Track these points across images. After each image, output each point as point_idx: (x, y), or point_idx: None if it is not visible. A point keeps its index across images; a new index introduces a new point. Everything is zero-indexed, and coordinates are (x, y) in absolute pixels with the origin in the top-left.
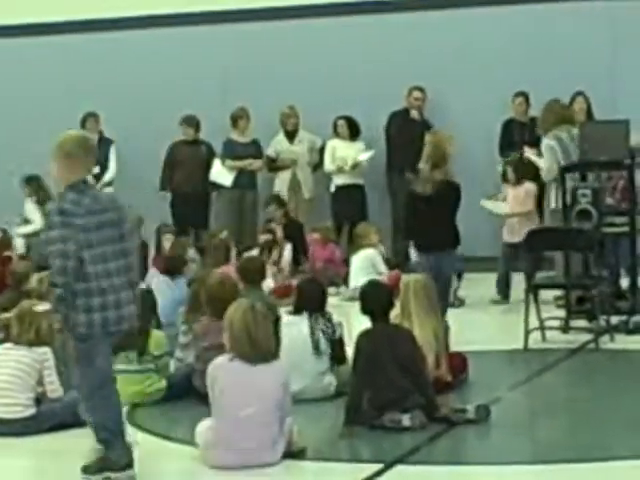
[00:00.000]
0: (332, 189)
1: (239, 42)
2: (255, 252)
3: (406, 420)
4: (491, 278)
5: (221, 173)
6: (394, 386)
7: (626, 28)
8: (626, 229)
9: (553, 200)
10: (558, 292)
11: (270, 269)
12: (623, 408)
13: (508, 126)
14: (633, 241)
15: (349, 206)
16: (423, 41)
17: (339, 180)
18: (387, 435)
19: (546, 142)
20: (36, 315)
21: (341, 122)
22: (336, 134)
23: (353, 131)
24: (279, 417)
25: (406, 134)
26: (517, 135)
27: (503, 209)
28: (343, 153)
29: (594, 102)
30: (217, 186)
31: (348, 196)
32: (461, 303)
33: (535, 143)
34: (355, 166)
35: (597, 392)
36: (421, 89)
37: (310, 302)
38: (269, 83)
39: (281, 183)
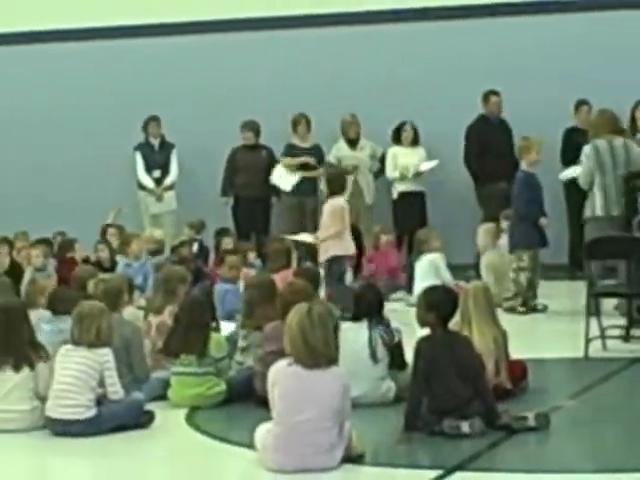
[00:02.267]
0: (395, 196)
1: (299, 48)
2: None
3: (465, 427)
4: (554, 286)
5: (282, 177)
6: (453, 393)
7: None
8: None
9: (587, 209)
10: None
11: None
12: None
13: (570, 134)
14: None
15: (410, 213)
16: (485, 49)
17: (401, 187)
18: (446, 441)
19: (584, 150)
20: (96, 316)
21: (407, 127)
22: (397, 141)
23: (416, 138)
24: (338, 422)
25: (491, 140)
26: (579, 143)
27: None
28: (405, 160)
29: None
30: (277, 191)
31: (410, 203)
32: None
33: None
34: (418, 175)
35: None
36: (497, 93)
37: (368, 307)
38: (329, 89)
39: None
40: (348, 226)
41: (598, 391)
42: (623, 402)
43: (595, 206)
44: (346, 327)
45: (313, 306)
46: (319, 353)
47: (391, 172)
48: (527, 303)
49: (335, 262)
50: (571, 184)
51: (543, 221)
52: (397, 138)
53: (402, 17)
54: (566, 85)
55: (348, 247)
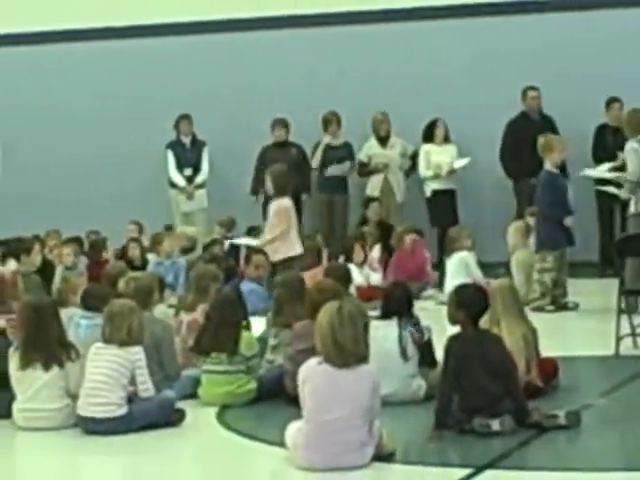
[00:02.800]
0: (428, 194)
1: (330, 46)
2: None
3: (496, 425)
4: (585, 283)
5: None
6: (484, 391)
7: None
8: None
9: (633, 205)
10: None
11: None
12: None
13: (602, 131)
14: None
15: (443, 211)
16: (515, 46)
17: (434, 185)
18: (477, 440)
19: (631, 145)
20: (127, 314)
21: (439, 125)
22: (429, 139)
23: (447, 135)
24: (368, 420)
25: (530, 137)
26: (610, 140)
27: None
28: (438, 158)
29: None
30: (308, 188)
31: (443, 201)
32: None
33: None
34: (451, 172)
35: None
36: (535, 88)
37: (397, 306)
38: (360, 87)
39: (373, 187)
40: (294, 226)
41: (629, 389)
42: None
43: (632, 203)
44: (376, 325)
45: (343, 304)
46: (349, 352)
47: (424, 170)
48: (557, 301)
49: (283, 264)
50: (601, 182)
51: (568, 221)
52: (429, 136)
53: (432, 14)
54: (596, 83)
55: (295, 248)
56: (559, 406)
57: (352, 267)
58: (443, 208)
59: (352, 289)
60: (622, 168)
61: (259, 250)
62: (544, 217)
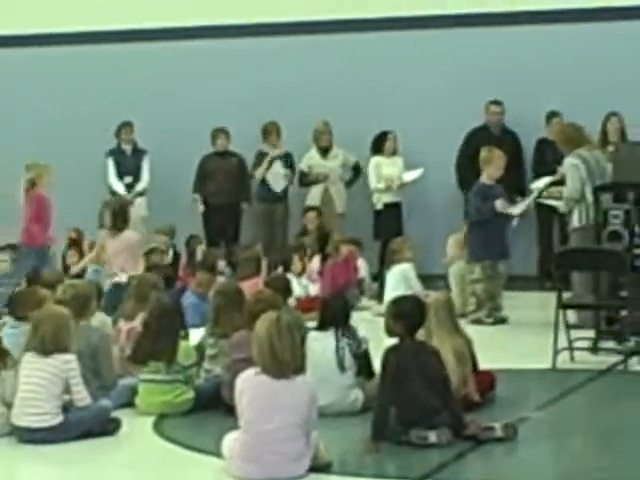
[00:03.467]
0: (379, 206)
1: (272, 55)
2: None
3: (433, 437)
4: (523, 297)
5: (276, 177)
6: (421, 402)
7: None
8: None
9: (576, 219)
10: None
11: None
12: None
13: (541, 146)
14: None
15: (390, 223)
16: (464, 58)
17: (387, 198)
18: (414, 451)
19: (570, 161)
20: (52, 322)
21: (390, 136)
22: (378, 151)
23: (396, 148)
24: (305, 431)
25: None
26: (550, 155)
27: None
28: (388, 170)
29: (628, 123)
30: (248, 198)
31: (390, 214)
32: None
33: None
34: (403, 185)
35: (624, 414)
36: (498, 102)
37: (334, 317)
38: (302, 97)
39: (313, 198)
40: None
41: (565, 403)
42: (590, 414)
43: (588, 215)
44: (313, 336)
45: (281, 315)
46: (286, 363)
47: (375, 183)
48: (492, 314)
49: None
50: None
51: (499, 204)
52: (378, 148)
53: (383, 26)
54: (538, 97)
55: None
56: (496, 418)
57: (291, 278)
58: (390, 221)
59: (291, 300)
60: (562, 182)
61: (208, 266)
62: (472, 228)
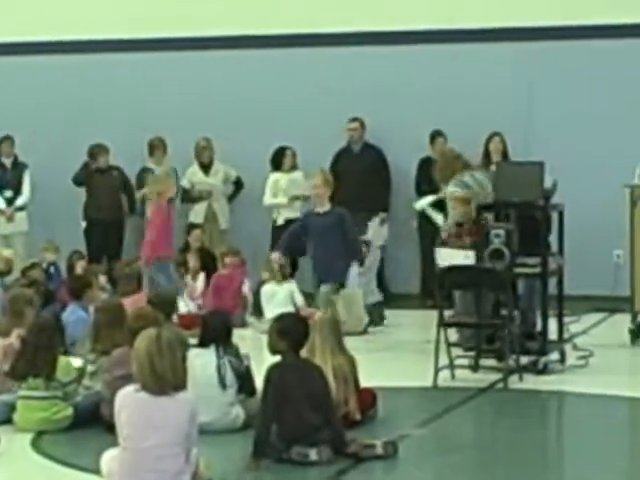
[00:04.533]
0: (280, 222)
1: (154, 71)
2: None
3: (313, 454)
4: (406, 315)
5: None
6: (302, 420)
7: (542, 70)
8: (538, 270)
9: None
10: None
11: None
12: (528, 446)
13: (425, 165)
14: (545, 282)
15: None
16: (344, 78)
17: (287, 213)
18: (294, 469)
19: (451, 190)
20: None
21: (288, 152)
22: (276, 167)
23: (295, 163)
24: (185, 448)
25: (345, 169)
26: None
27: None
28: (287, 186)
29: (510, 144)
30: (134, 210)
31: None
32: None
33: None
34: (305, 200)
35: (504, 431)
36: (356, 119)
37: (215, 334)
38: (185, 113)
39: (196, 214)
40: None
41: (446, 420)
42: (470, 431)
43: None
44: (194, 353)
45: (161, 332)
46: (167, 380)
47: (270, 198)
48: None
49: None
50: (423, 214)
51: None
52: (277, 164)
53: (266, 43)
54: (423, 117)
55: None
56: (377, 436)
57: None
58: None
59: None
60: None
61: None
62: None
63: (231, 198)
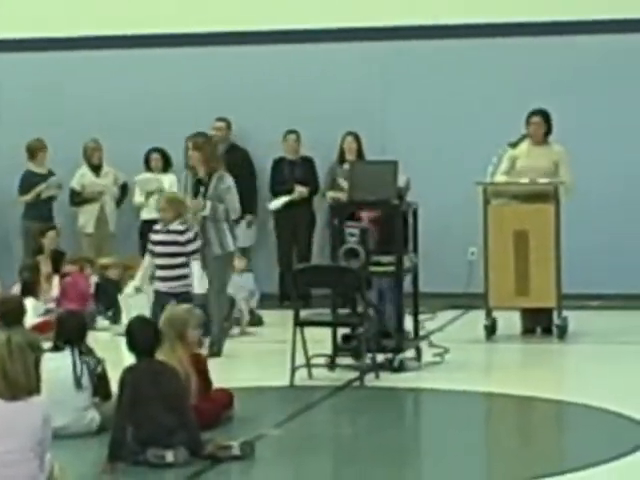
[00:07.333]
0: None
1: (48, 69)
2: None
3: (170, 456)
4: (263, 314)
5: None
6: (158, 422)
7: (395, 69)
8: (392, 268)
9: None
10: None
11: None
12: (386, 444)
13: (279, 164)
14: (399, 280)
15: None
16: (210, 76)
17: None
18: (151, 471)
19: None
20: None
21: (156, 156)
22: (148, 168)
23: (166, 164)
24: (39, 453)
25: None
26: (288, 174)
27: None
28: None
29: (366, 143)
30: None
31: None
32: None
33: (305, 182)
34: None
35: (361, 428)
36: (223, 119)
37: (70, 334)
38: (64, 114)
39: (86, 217)
40: None
41: (303, 419)
42: (327, 430)
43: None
44: (49, 357)
45: (12, 336)
46: (20, 385)
47: (138, 198)
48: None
49: None
50: (280, 214)
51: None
52: (148, 165)
53: (139, 43)
54: (278, 116)
55: None
56: (234, 437)
57: (28, 298)
58: None
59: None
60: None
61: None
62: None
63: (119, 201)
